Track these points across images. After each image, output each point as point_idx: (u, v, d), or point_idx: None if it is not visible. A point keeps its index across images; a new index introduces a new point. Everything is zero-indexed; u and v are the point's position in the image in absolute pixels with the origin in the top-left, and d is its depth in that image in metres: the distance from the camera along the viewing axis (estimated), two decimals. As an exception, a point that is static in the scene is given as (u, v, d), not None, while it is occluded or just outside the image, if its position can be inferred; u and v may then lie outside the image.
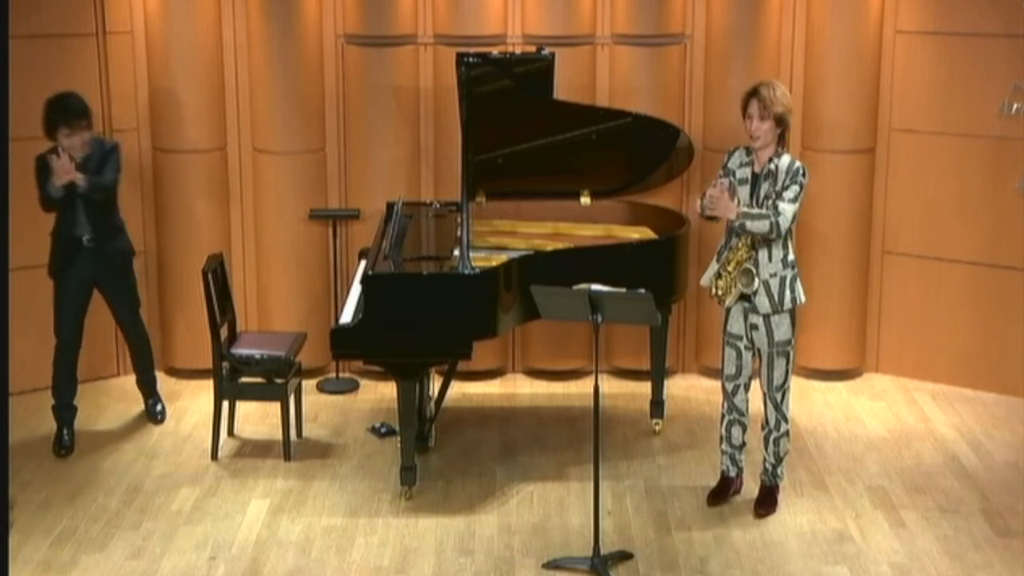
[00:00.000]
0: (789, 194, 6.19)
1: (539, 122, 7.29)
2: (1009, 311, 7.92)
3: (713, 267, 6.40)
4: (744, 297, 6.30)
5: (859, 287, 8.22)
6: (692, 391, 8.14)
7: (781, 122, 6.24)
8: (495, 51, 7.54)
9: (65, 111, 7.03)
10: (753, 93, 6.26)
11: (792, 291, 6.30)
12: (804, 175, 6.22)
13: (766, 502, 6.57)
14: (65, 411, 7.35)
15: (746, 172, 6.32)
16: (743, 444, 6.60)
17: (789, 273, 6.29)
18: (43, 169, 7.11)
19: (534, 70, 7.22)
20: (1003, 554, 6.16)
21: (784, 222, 6.15)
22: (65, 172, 6.97)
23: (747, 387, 6.50)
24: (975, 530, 6.38)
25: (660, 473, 6.99)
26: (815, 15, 7.92)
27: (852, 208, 8.08)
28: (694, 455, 7.21)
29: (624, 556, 6.11)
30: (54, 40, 7.76)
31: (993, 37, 7.71)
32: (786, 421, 6.46)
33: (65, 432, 7.31)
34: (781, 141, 6.29)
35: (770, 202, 6.21)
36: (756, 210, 6.19)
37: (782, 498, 6.61)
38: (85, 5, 7.84)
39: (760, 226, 6.15)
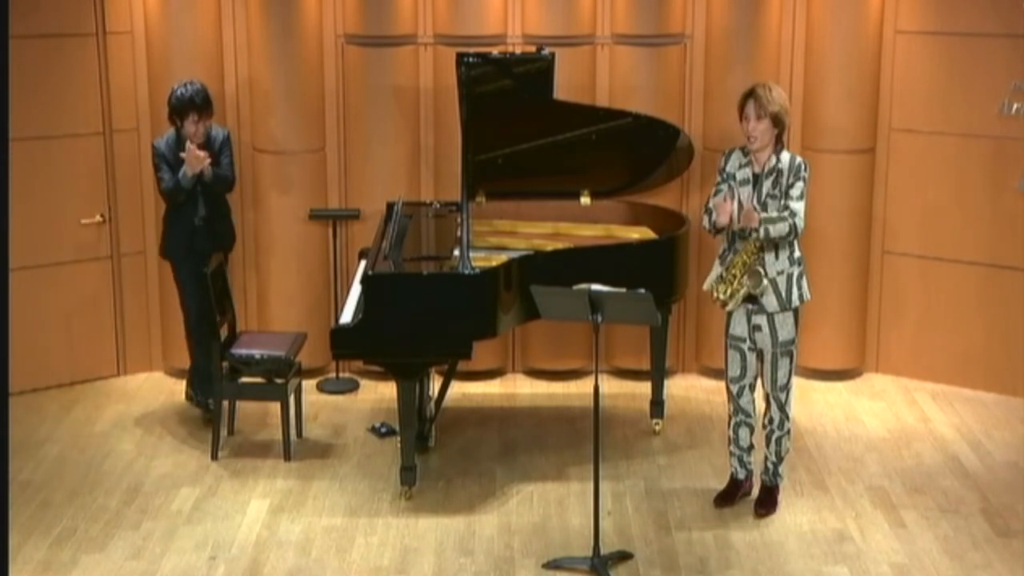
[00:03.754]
0: (796, 192, 6.22)
1: (539, 122, 7.29)
2: (1009, 311, 7.92)
3: (716, 270, 6.40)
4: (749, 298, 6.30)
5: (859, 287, 8.22)
6: (692, 391, 8.14)
7: (778, 122, 6.24)
8: (495, 51, 7.54)
9: (198, 100, 7.28)
10: (749, 94, 6.27)
11: (799, 288, 6.31)
12: (806, 169, 6.27)
13: (766, 502, 6.57)
14: (199, 375, 7.59)
15: (747, 173, 6.32)
16: (751, 446, 6.60)
17: (796, 270, 6.30)
18: (161, 159, 7.35)
19: (534, 70, 7.22)
20: (1003, 554, 6.16)
21: (800, 222, 6.20)
22: (198, 161, 7.25)
23: (752, 388, 6.50)
24: (975, 530, 6.38)
25: (660, 473, 6.99)
26: (815, 15, 7.92)
27: (852, 208, 8.08)
28: (694, 455, 7.21)
29: (624, 556, 6.11)
30: (54, 40, 7.76)
31: (993, 37, 7.71)
32: (788, 420, 6.47)
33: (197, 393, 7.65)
34: (779, 141, 6.29)
35: (776, 203, 6.21)
36: (775, 214, 6.21)
37: (782, 498, 6.61)
38: (85, 5, 7.84)
39: (781, 229, 6.17)
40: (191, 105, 7.26)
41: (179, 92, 7.31)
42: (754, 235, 6.22)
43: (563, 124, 7.28)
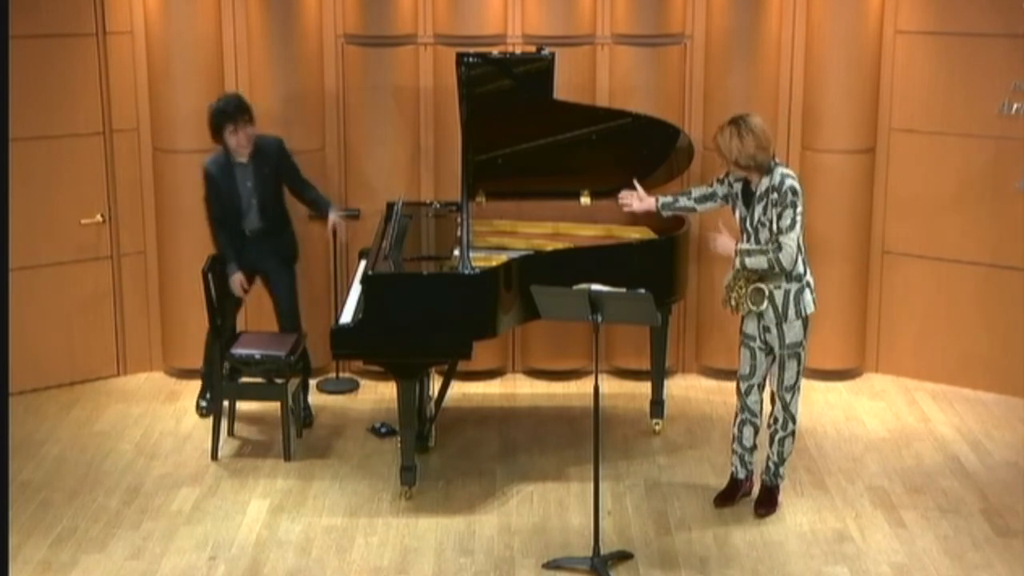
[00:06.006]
0: (785, 223, 6.14)
1: (539, 122, 7.28)
2: (1009, 311, 7.92)
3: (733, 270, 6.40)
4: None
5: (859, 287, 8.22)
6: (692, 391, 8.14)
7: (743, 167, 6.22)
8: (495, 51, 7.54)
9: (229, 110, 7.23)
10: (715, 136, 6.30)
11: (797, 304, 6.27)
12: (796, 194, 6.16)
13: (766, 502, 6.57)
14: (210, 376, 7.55)
15: (739, 187, 6.37)
16: (754, 446, 6.59)
17: (795, 287, 6.25)
18: (212, 185, 7.34)
19: (534, 70, 7.22)
20: (1003, 554, 6.16)
21: (786, 257, 6.12)
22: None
23: (761, 388, 6.50)
24: (975, 530, 6.38)
25: (660, 473, 6.99)
26: (815, 15, 7.92)
27: (852, 208, 8.08)
28: (694, 455, 7.21)
29: (624, 556, 6.11)
30: (54, 40, 7.76)
31: (993, 37, 7.71)
32: (793, 421, 6.46)
33: (207, 391, 7.67)
34: (761, 169, 6.23)
35: (766, 229, 6.20)
36: (754, 246, 6.21)
37: (782, 498, 6.61)
38: (85, 5, 7.84)
39: (758, 262, 6.17)
40: (223, 116, 7.23)
41: (211, 106, 7.29)
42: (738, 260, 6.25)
43: (563, 124, 7.28)
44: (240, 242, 7.42)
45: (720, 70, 7.98)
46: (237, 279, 7.35)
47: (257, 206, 7.40)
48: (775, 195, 6.18)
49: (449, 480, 6.90)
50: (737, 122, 6.23)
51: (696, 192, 6.63)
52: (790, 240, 6.13)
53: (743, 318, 6.43)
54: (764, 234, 6.23)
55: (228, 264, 7.36)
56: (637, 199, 6.90)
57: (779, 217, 6.16)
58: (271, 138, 7.49)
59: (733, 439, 6.63)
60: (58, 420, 7.66)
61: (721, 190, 6.46)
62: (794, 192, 6.16)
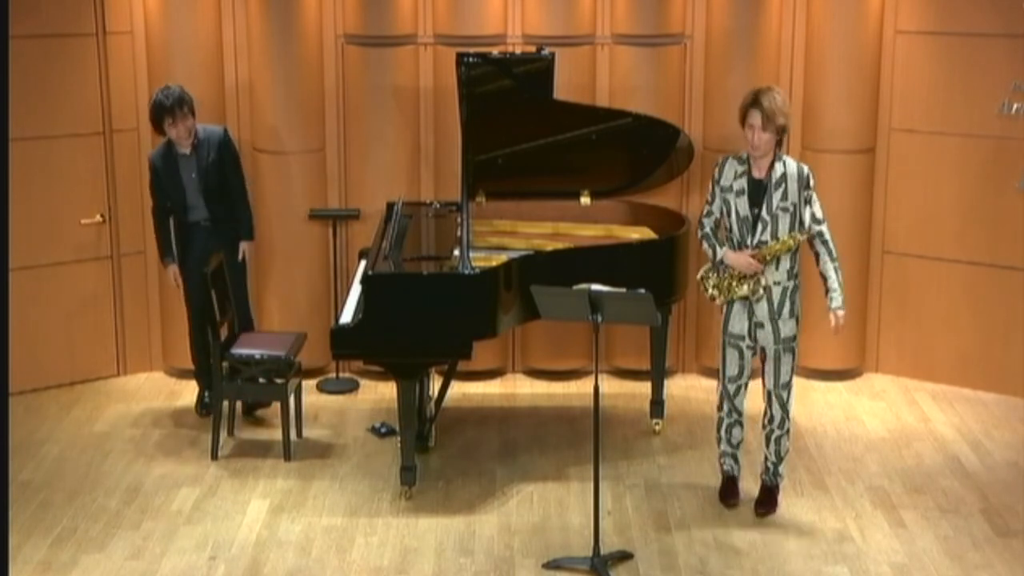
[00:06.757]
0: (819, 212, 6.27)
1: (539, 122, 7.29)
2: (1009, 311, 7.93)
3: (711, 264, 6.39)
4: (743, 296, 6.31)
5: (859, 287, 8.22)
6: (692, 391, 8.14)
7: (782, 131, 6.23)
8: (495, 51, 7.54)
9: (167, 104, 7.26)
10: (754, 103, 6.17)
11: (792, 302, 6.29)
12: (814, 178, 6.28)
13: (766, 502, 6.57)
14: (203, 376, 7.62)
15: (742, 183, 6.28)
16: (742, 441, 6.62)
17: (792, 283, 6.29)
18: (155, 176, 7.44)
19: (534, 70, 7.22)
20: (1003, 554, 6.16)
21: (835, 245, 6.34)
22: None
23: (747, 387, 6.51)
24: (975, 530, 6.38)
25: (660, 473, 6.99)
26: (815, 15, 7.92)
27: (852, 208, 8.08)
28: (694, 455, 7.21)
29: (624, 556, 6.12)
30: (54, 40, 7.76)
31: (993, 37, 7.71)
32: (789, 419, 6.46)
33: (205, 395, 7.69)
34: (779, 146, 6.27)
35: (788, 216, 6.19)
36: (829, 280, 6.34)
37: (782, 498, 6.61)
38: (85, 5, 7.85)
39: (840, 277, 6.37)
40: (161, 109, 7.26)
41: (152, 98, 7.34)
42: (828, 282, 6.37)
43: (563, 124, 7.28)
44: (190, 233, 7.48)
45: (720, 70, 7.98)
46: (172, 272, 7.49)
47: (203, 196, 7.43)
48: (793, 184, 6.21)
49: (449, 480, 6.90)
50: (772, 88, 6.31)
51: (710, 225, 6.41)
52: (826, 229, 6.30)
53: (728, 317, 6.40)
54: (786, 220, 6.20)
55: (164, 257, 7.52)
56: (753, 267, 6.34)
57: (809, 203, 6.24)
58: (214, 128, 7.53)
59: (720, 442, 6.60)
60: (58, 420, 7.66)
61: (716, 207, 6.38)
62: (813, 177, 6.28)
